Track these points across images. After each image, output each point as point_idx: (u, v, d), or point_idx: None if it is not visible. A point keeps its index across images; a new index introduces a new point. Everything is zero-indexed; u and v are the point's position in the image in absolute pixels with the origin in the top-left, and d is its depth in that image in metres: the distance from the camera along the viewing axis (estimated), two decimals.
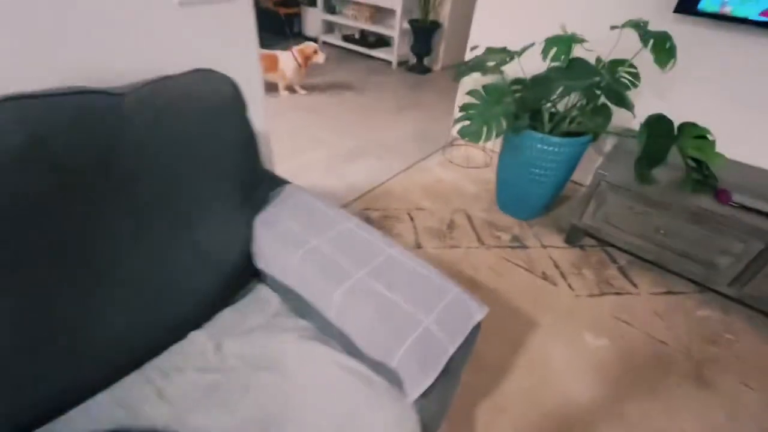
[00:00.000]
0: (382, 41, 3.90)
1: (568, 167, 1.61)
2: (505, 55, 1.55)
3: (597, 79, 1.43)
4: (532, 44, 1.57)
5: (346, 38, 3.99)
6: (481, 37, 2.13)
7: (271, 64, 2.75)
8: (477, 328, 0.68)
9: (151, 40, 0.81)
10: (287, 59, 2.75)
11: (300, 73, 2.82)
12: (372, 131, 2.51)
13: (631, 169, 1.50)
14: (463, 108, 1.55)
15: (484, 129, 1.48)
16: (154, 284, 0.67)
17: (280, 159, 2.12)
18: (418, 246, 1.63)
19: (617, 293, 1.49)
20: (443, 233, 1.71)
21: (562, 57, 1.49)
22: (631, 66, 1.53)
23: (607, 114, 1.64)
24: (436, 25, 3.47)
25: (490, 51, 1.64)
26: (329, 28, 4.20)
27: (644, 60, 1.43)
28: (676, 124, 1.39)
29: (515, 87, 1.69)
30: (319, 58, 2.78)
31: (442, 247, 1.63)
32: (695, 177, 1.44)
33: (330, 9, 4.01)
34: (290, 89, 2.96)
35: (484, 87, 1.53)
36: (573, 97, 1.66)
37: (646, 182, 1.43)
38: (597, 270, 1.59)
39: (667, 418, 1.11)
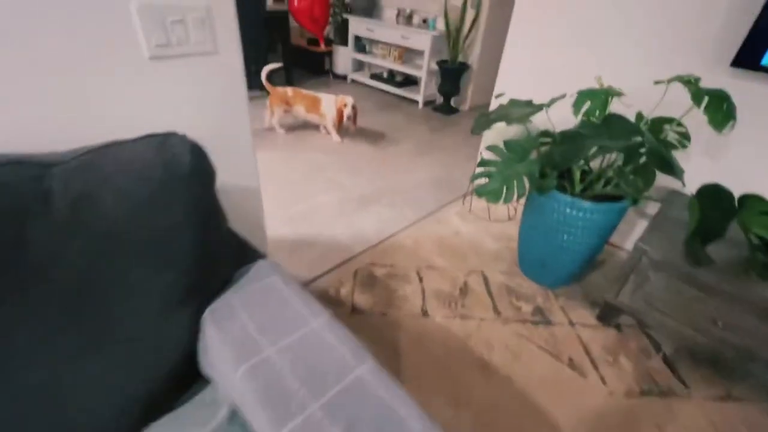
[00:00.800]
0: (410, 80, 3.87)
1: (602, 235, 1.40)
2: (531, 109, 1.40)
3: (638, 139, 1.25)
4: (563, 96, 1.42)
5: (374, 77, 3.99)
6: (507, 83, 2.01)
7: (314, 106, 2.75)
8: None
9: (115, 100, 0.73)
10: (330, 104, 2.72)
11: (336, 120, 2.76)
12: (389, 175, 2.40)
13: (679, 241, 1.27)
14: (482, 164, 1.40)
15: (504, 189, 1.32)
16: (62, 398, 0.54)
17: (291, 202, 2.03)
18: (424, 314, 1.44)
19: (662, 394, 1.23)
20: (454, 299, 1.52)
21: (597, 113, 1.33)
22: (680, 125, 1.34)
23: (649, 176, 1.44)
24: (464, 67, 3.40)
25: (513, 103, 1.50)
26: (359, 66, 4.24)
27: (694, 116, 1.24)
28: (736, 193, 1.17)
29: (543, 140, 1.53)
30: (346, 111, 2.68)
31: (452, 317, 1.44)
32: (762, 259, 1.19)
33: (360, 48, 4.05)
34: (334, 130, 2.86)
35: (506, 143, 1.38)
36: (610, 155, 1.47)
37: (700, 263, 1.20)
38: (637, 359, 1.34)
39: None
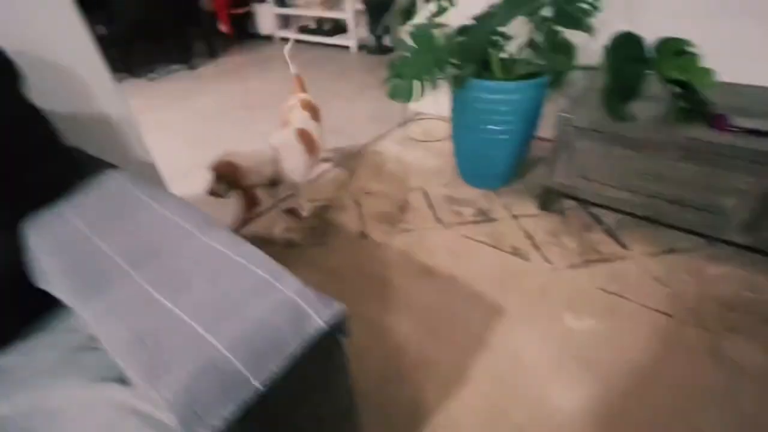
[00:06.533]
0: (340, 27, 3.65)
1: (528, 118, 1.34)
2: None
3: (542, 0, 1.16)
4: None
5: (303, 29, 3.76)
6: None
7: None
8: (324, 345, 0.43)
9: None
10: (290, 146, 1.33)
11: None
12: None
13: (600, 107, 1.22)
14: (391, 65, 1.30)
15: (413, 84, 1.23)
16: None
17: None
18: (363, 236, 1.38)
19: (605, 260, 1.22)
20: (394, 217, 1.46)
21: None
22: None
23: (568, 50, 1.37)
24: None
25: None
26: (284, 22, 3.97)
27: None
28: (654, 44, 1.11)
29: (461, 38, 1.43)
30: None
31: (392, 233, 1.38)
32: (682, 105, 1.15)
33: (280, 2, 3.78)
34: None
35: (412, 33, 1.27)
36: (527, 35, 1.39)
37: (620, 117, 1.15)
38: (579, 236, 1.32)
39: (680, 418, 0.83)
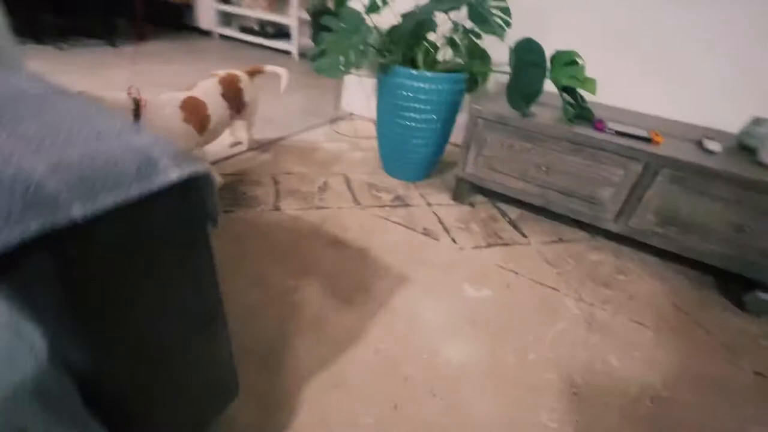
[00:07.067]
0: (283, 32, 3.67)
1: (446, 111, 1.43)
2: None
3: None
4: None
5: (244, 30, 3.70)
6: None
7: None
8: (175, 206, 0.39)
9: None
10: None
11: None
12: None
13: (506, 103, 1.35)
14: (318, 40, 1.32)
15: (341, 60, 1.26)
16: None
17: None
18: (276, 208, 1.32)
19: (505, 244, 1.30)
20: (312, 195, 1.43)
21: None
22: None
23: (483, 54, 1.52)
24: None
25: None
26: (226, 20, 3.89)
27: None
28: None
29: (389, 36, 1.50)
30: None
31: (307, 209, 1.35)
32: (572, 111, 1.32)
33: None
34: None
35: (341, 13, 1.31)
36: (448, 35, 1.51)
37: (522, 112, 1.28)
38: (485, 224, 1.40)
39: (554, 366, 0.88)
